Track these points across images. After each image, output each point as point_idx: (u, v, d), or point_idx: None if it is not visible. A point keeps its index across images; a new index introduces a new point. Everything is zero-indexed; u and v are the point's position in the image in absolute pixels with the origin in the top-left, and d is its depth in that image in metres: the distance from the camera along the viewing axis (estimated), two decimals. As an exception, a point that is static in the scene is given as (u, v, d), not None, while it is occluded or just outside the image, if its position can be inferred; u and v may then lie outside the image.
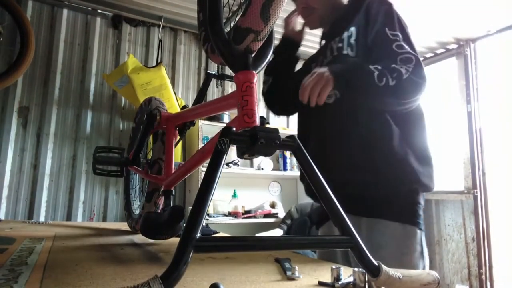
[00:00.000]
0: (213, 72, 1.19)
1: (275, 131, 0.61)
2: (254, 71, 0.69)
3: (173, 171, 1.12)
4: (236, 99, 0.68)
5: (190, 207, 0.58)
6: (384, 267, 0.58)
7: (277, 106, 1.40)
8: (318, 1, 1.23)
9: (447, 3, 2.67)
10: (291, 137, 0.65)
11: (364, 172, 1.06)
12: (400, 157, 1.05)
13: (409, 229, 1.06)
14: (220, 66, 3.11)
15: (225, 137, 0.58)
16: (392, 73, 0.97)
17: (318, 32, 1.34)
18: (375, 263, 0.59)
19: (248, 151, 0.62)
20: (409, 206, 1.08)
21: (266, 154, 0.62)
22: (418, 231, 1.06)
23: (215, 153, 0.57)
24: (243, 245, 0.57)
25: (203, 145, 2.69)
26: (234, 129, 0.60)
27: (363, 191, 1.08)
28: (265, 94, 1.39)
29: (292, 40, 1.34)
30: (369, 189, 1.07)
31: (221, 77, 1.19)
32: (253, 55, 0.72)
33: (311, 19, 1.27)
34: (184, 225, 0.62)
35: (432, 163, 1.11)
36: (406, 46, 1.03)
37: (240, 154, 0.64)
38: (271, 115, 3.59)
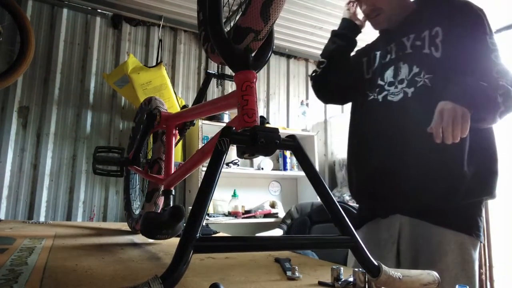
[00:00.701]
0: (213, 72, 1.18)
1: (275, 130, 0.61)
2: (254, 71, 0.69)
3: (173, 171, 1.12)
4: (236, 98, 0.68)
5: (190, 207, 0.58)
6: (384, 267, 0.58)
7: (324, 92, 1.38)
8: (387, 2, 1.20)
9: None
10: (291, 136, 0.65)
11: (438, 180, 1.04)
12: (476, 167, 1.03)
13: (473, 241, 1.07)
14: (220, 65, 3.11)
15: (225, 136, 0.58)
16: (498, 90, 0.95)
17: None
18: (375, 263, 0.59)
19: (248, 151, 0.62)
20: (475, 218, 1.09)
21: (266, 154, 0.62)
22: (479, 243, 1.08)
23: (215, 153, 0.57)
24: (243, 245, 0.57)
25: (203, 145, 2.69)
26: (234, 128, 0.60)
27: (436, 200, 1.06)
28: (315, 77, 1.36)
29: (353, 24, 1.33)
30: (442, 199, 1.06)
31: (221, 77, 1.17)
32: (253, 54, 0.72)
33: (378, 19, 1.24)
34: (184, 225, 0.62)
35: (498, 168, 1.09)
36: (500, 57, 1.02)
37: (240, 154, 0.64)
38: (271, 115, 3.60)
